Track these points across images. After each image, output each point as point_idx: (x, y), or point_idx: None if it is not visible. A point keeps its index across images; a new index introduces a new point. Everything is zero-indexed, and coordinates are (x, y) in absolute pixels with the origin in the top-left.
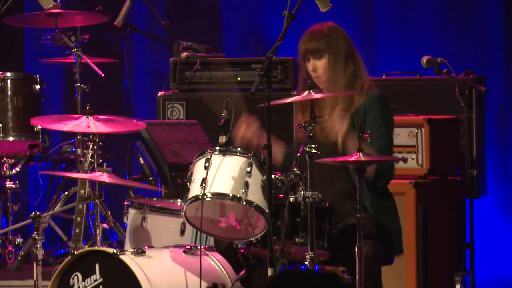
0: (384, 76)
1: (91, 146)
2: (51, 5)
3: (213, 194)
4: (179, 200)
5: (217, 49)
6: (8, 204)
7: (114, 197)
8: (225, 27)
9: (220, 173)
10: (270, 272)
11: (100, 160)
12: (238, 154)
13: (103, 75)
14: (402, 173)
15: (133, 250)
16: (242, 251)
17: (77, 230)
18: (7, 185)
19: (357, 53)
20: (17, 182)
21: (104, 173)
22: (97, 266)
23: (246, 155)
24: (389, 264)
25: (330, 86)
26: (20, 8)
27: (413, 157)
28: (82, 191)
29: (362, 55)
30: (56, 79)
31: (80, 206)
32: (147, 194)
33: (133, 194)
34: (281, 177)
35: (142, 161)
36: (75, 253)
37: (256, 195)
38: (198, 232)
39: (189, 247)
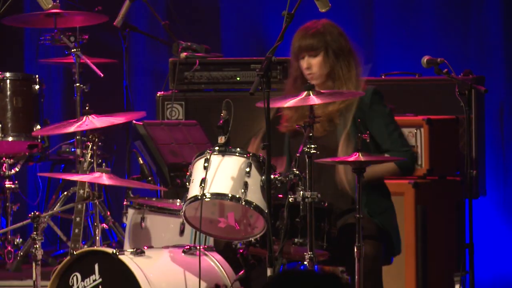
0: (383, 76)
1: (90, 146)
2: (50, 5)
3: (212, 194)
4: (178, 200)
5: (217, 49)
6: (7, 204)
7: (113, 197)
8: (225, 27)
9: (219, 173)
10: (269, 272)
11: (99, 160)
12: (237, 154)
13: (102, 75)
14: None
15: (132, 250)
16: (241, 251)
17: (76, 230)
18: (6, 185)
19: (354, 50)
20: (16, 182)
21: (103, 174)
22: (96, 266)
23: (245, 156)
24: (388, 264)
25: (324, 84)
26: (20, 8)
27: None
28: (81, 191)
29: (361, 53)
30: (55, 79)
31: (79, 206)
32: (146, 194)
33: (132, 194)
34: (280, 177)
35: (141, 161)
36: (74, 253)
37: (255, 195)
38: (197, 232)
39: (188, 247)
